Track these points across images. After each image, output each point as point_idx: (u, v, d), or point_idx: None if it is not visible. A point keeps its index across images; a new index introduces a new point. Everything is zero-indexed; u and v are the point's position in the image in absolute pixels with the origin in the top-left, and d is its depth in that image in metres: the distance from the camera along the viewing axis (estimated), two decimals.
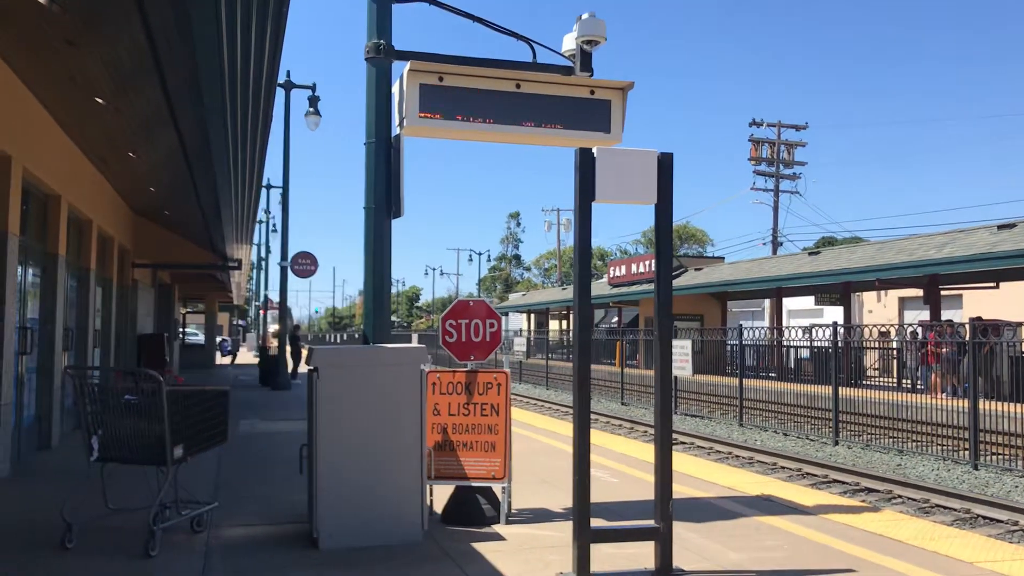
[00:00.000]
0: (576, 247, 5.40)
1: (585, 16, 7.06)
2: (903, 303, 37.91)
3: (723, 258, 41.29)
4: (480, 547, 6.09)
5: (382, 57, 7.04)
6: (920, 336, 20.89)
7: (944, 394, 18.04)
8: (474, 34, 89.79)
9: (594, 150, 5.31)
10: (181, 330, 36.19)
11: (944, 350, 18.86)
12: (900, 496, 12.22)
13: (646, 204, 5.40)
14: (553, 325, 53.16)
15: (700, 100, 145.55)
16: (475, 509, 6.83)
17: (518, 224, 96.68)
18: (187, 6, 5.84)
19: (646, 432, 19.68)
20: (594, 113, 7.10)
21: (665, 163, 5.40)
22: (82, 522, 6.09)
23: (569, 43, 7.13)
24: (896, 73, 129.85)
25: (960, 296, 31.51)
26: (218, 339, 43.10)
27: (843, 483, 13.27)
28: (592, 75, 7.12)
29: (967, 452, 14.84)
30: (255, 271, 51.04)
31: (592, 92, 7.13)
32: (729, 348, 26.34)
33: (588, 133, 7.04)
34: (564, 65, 7.13)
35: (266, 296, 39.77)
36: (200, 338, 38.86)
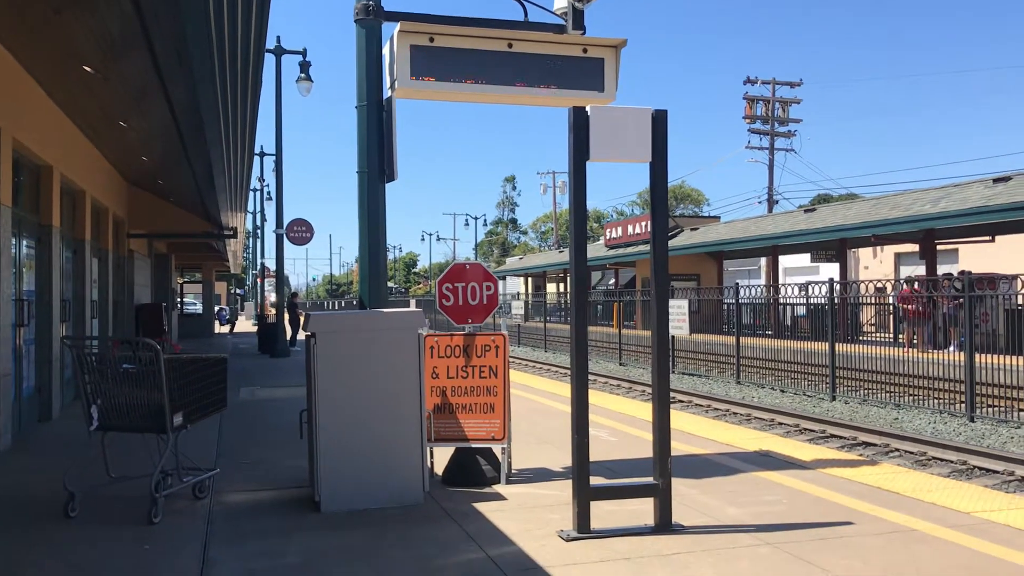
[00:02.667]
0: (572, 207, 5.38)
1: None
2: (899, 258, 37.92)
3: (719, 217, 41.22)
4: (481, 507, 6.14)
5: (371, 18, 6.97)
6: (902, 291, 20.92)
7: (951, 349, 18.08)
8: None
9: (588, 109, 5.28)
10: (179, 300, 36.19)
11: (944, 304, 18.89)
12: (897, 449, 12.32)
13: (641, 162, 5.39)
14: (550, 288, 53.18)
15: (694, 58, 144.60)
16: (475, 470, 6.88)
17: (514, 188, 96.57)
18: None
19: (644, 392, 19.79)
20: (587, 72, 7.04)
21: (659, 121, 5.38)
22: (84, 491, 6.13)
23: (561, 1, 7.05)
24: (890, 25, 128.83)
25: (956, 250, 31.50)
26: (216, 308, 43.11)
27: (841, 438, 13.37)
28: (584, 33, 7.05)
29: (963, 405, 14.95)
30: (251, 239, 50.94)
31: (585, 51, 7.06)
32: (726, 307, 26.39)
33: (582, 92, 6.98)
34: (556, 24, 7.05)
35: (263, 264, 39.73)
36: (198, 307, 38.86)
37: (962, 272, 18.06)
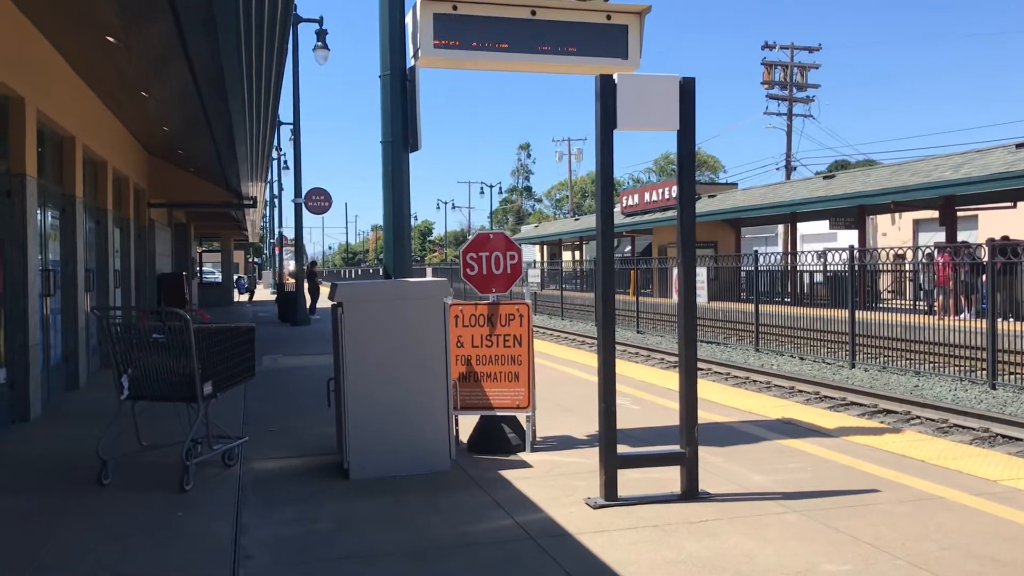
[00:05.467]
0: (598, 176, 5.38)
1: None
2: (917, 225, 37.60)
3: (736, 184, 40.97)
4: (507, 474, 6.20)
5: None
6: (936, 258, 20.78)
7: (962, 316, 18.00)
8: None
9: (615, 77, 5.26)
10: (198, 269, 36.40)
11: (961, 271, 18.77)
12: (918, 417, 12.31)
13: (668, 131, 5.36)
14: (566, 256, 53.14)
15: (712, 23, 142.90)
16: (501, 437, 6.93)
17: (528, 155, 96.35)
18: None
19: (663, 359, 19.81)
20: (611, 39, 6.98)
21: (687, 88, 5.35)
22: (116, 459, 6.23)
23: None
24: None
25: (976, 217, 31.19)
26: (235, 277, 43.34)
27: (861, 405, 13.37)
28: (608, 0, 7.00)
29: (984, 372, 14.89)
30: (268, 208, 51.04)
31: (609, 17, 7.00)
32: (744, 274, 26.30)
33: (606, 60, 6.93)
34: None
35: (280, 233, 39.80)
36: (217, 276, 39.10)
37: (1003, 238, 17.89)
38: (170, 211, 22.75)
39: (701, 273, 22.49)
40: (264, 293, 48.39)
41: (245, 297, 42.53)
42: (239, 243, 48.35)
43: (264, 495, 5.79)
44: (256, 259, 71.59)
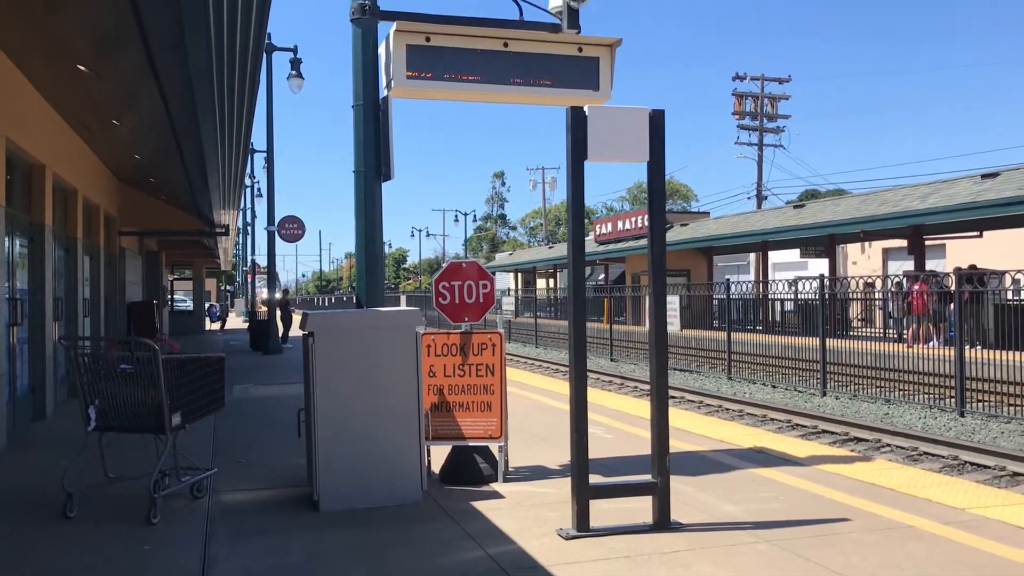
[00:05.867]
0: (569, 207, 5.41)
1: None
2: (887, 254, 38.06)
3: (708, 213, 41.34)
4: (479, 505, 6.17)
5: (367, 18, 6.97)
6: (905, 287, 21.03)
7: (931, 344, 18.21)
8: None
9: (585, 109, 5.30)
10: (169, 297, 36.10)
11: (930, 300, 19.01)
12: (889, 445, 12.39)
13: (638, 162, 5.41)
14: (540, 284, 53.22)
15: (685, 54, 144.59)
16: (473, 468, 6.90)
17: (503, 184, 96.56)
18: None
19: (636, 388, 19.83)
20: (583, 71, 7.06)
21: (656, 120, 5.40)
22: (82, 491, 6.13)
23: (556, 0, 7.06)
24: (879, 21, 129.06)
25: (943, 246, 31.66)
26: (206, 305, 43.00)
27: (833, 433, 13.45)
28: (579, 32, 7.07)
29: (953, 400, 15.04)
30: (241, 236, 50.78)
31: (580, 49, 7.08)
32: (716, 302, 26.46)
33: (577, 91, 7.01)
34: (552, 23, 7.07)
35: (253, 261, 39.63)
36: (189, 304, 38.76)
37: (970, 267, 18.14)
38: (141, 239, 22.56)
39: (673, 301, 22.59)
40: (236, 321, 48.03)
41: (217, 325, 42.19)
42: (211, 271, 47.96)
43: (233, 527, 5.71)
44: (228, 287, 71.07)
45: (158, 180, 17.28)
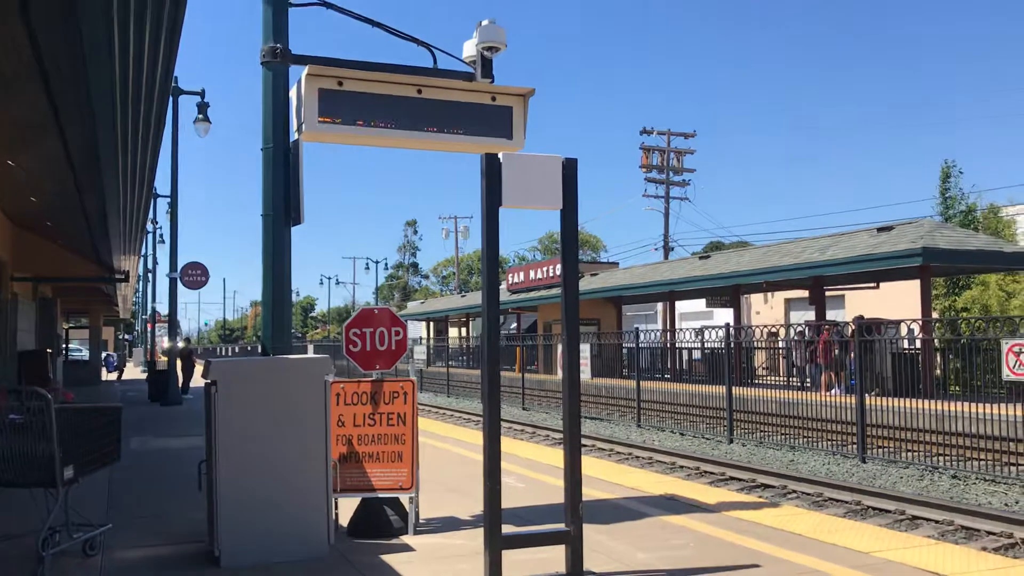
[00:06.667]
0: (484, 253, 5.37)
1: (485, 22, 7.03)
2: (789, 304, 39.18)
3: (617, 263, 42.03)
4: (388, 559, 6.01)
5: (279, 61, 6.86)
6: (807, 336, 21.63)
7: (833, 392, 18.72)
8: (374, 41, 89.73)
9: (500, 156, 5.30)
10: (64, 346, 34.71)
11: (835, 350, 19.59)
12: (795, 491, 12.61)
13: (552, 209, 5.43)
14: (452, 332, 53.04)
15: (594, 108, 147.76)
16: (382, 520, 6.72)
17: (415, 232, 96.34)
18: (74, 5, 5.58)
19: (548, 436, 19.81)
20: (496, 119, 7.10)
21: (569, 168, 5.44)
22: None
23: (470, 49, 7.10)
24: (783, 80, 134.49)
25: (843, 296, 32.76)
26: (103, 354, 41.46)
27: (740, 480, 13.62)
28: (493, 81, 7.11)
29: (855, 446, 15.44)
30: (142, 283, 49.35)
31: (494, 99, 7.13)
32: (625, 351, 26.76)
33: (491, 139, 7.03)
34: (466, 72, 7.10)
35: (154, 309, 38.44)
36: (84, 354, 37.33)
37: (857, 317, 18.75)
38: (35, 285, 21.68)
39: (584, 350, 22.78)
40: (135, 371, 46.42)
41: (114, 376, 40.68)
42: (109, 319, 46.42)
43: None
44: (127, 336, 68.78)
45: (56, 224, 16.66)
